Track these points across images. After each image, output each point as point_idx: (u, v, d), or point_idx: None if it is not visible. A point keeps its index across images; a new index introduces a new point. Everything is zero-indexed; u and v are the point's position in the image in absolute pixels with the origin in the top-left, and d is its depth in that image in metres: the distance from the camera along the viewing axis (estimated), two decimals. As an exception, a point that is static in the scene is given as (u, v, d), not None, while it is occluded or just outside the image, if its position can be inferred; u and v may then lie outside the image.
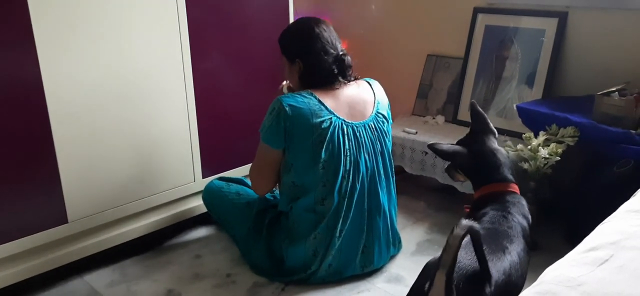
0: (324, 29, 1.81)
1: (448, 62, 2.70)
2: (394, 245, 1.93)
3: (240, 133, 2.23)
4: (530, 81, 2.35)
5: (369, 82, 1.90)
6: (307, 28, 1.81)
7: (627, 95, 1.89)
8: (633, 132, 1.80)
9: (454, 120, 2.58)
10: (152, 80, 1.91)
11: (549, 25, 2.31)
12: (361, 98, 1.83)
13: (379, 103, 1.85)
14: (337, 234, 1.76)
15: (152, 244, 2.09)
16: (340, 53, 1.81)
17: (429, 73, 2.76)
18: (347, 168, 1.74)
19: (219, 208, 2.06)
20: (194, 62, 2.01)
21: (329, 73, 1.79)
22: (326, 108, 1.73)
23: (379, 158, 1.81)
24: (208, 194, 2.09)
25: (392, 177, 1.89)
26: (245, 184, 2.13)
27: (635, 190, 1.83)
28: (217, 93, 2.13)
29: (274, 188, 2.08)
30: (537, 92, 2.31)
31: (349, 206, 1.75)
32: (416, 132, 2.43)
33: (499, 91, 2.45)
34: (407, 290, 1.73)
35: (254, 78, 2.23)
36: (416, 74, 2.80)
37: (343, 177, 1.73)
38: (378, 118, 1.83)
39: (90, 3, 1.71)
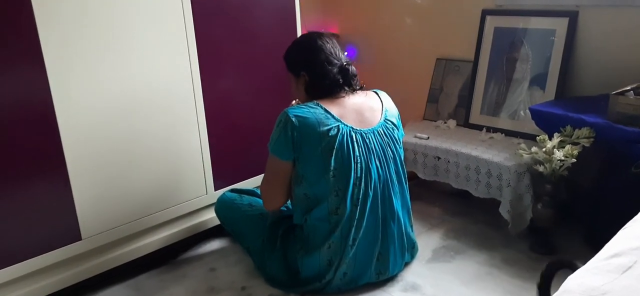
0: (327, 41, 1.83)
1: (458, 66, 2.68)
2: (409, 251, 1.91)
3: (250, 145, 2.22)
4: (541, 82, 2.32)
5: (376, 92, 1.91)
6: (310, 41, 1.85)
7: (642, 93, 1.86)
8: (650, 131, 1.77)
9: (465, 124, 2.56)
10: (162, 94, 1.91)
11: (560, 25, 2.28)
12: (368, 106, 1.83)
13: (387, 111, 1.85)
14: (351, 242, 1.74)
15: (167, 258, 2.09)
16: (345, 63, 1.82)
17: (439, 77, 2.75)
18: (358, 175, 1.73)
19: (231, 221, 2.05)
20: (203, 75, 2.01)
21: (334, 82, 1.79)
22: (333, 116, 1.73)
23: (391, 164, 1.80)
24: (220, 206, 2.09)
25: (406, 183, 1.87)
26: (258, 195, 2.12)
27: (653, 190, 1.81)
28: (227, 105, 2.13)
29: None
30: (549, 93, 2.29)
31: (362, 213, 1.74)
32: (428, 137, 2.41)
33: (510, 93, 2.42)
34: (425, 299, 1.73)
35: (263, 90, 2.23)
36: (426, 79, 2.79)
37: (354, 184, 1.72)
38: (387, 125, 1.82)
39: (98, 19, 1.71)
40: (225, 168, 2.17)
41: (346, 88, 1.81)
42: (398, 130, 1.86)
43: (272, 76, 2.24)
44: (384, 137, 1.79)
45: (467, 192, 2.28)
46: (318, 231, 1.76)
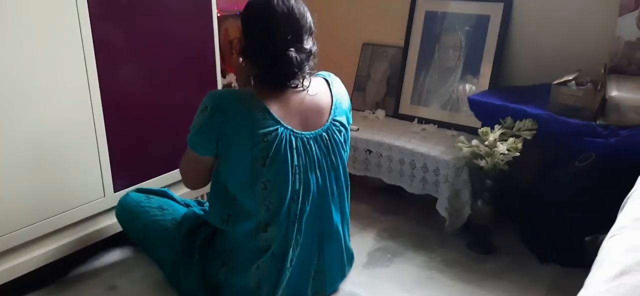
0: (293, 13, 1.42)
1: (386, 51, 2.51)
2: (348, 264, 1.69)
3: (159, 136, 1.90)
4: (475, 70, 2.21)
5: (327, 80, 1.58)
6: (268, 8, 1.41)
7: (584, 84, 1.78)
8: (595, 123, 1.69)
9: (395, 114, 2.40)
10: (45, 77, 1.54)
11: (494, 11, 2.18)
12: (316, 107, 1.50)
13: (336, 108, 1.54)
14: (288, 265, 1.48)
15: (55, 275, 1.72)
16: (308, 50, 1.45)
17: (365, 63, 2.56)
18: (296, 188, 1.44)
19: (138, 228, 1.72)
20: (98, 54, 1.65)
21: (285, 75, 1.44)
22: (272, 116, 1.42)
23: (332, 174, 1.53)
24: (123, 210, 1.75)
25: (347, 192, 1.62)
26: (170, 196, 1.81)
27: (596, 186, 1.74)
28: (129, 89, 1.78)
29: (204, 201, 1.79)
30: (483, 82, 2.18)
31: (299, 231, 1.48)
32: (358, 129, 2.21)
33: (443, 82, 2.29)
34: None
35: (174, 72, 1.91)
36: (352, 65, 2.59)
37: (292, 198, 1.44)
38: (333, 127, 1.52)
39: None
40: (127, 164, 1.83)
41: (292, 82, 1.47)
42: (346, 130, 1.57)
43: (186, 56, 1.93)
44: (329, 142, 1.50)
45: (397, 187, 2.12)
46: (244, 249, 1.48)
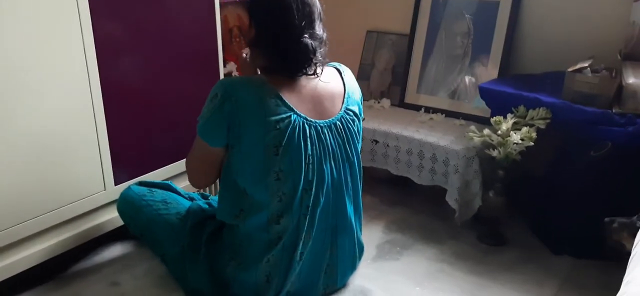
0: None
1: (391, 39, 2.45)
2: (359, 257, 1.64)
3: (161, 127, 1.84)
4: (484, 58, 2.15)
5: (338, 69, 1.55)
6: None
7: (599, 71, 1.73)
8: (612, 111, 1.64)
9: (400, 103, 2.34)
10: (43, 68, 1.47)
11: (504, -3, 2.12)
12: (329, 92, 1.46)
13: (348, 96, 1.50)
14: (298, 258, 1.43)
15: (54, 272, 1.66)
16: (319, 37, 1.42)
17: (370, 51, 2.51)
18: (310, 178, 1.39)
19: (141, 222, 1.66)
20: (98, 44, 1.58)
21: (296, 63, 1.40)
22: (284, 103, 1.37)
23: (347, 165, 1.48)
24: (125, 204, 1.69)
25: (360, 184, 1.57)
26: (173, 189, 1.75)
27: (613, 176, 1.70)
28: (129, 80, 1.72)
29: (209, 194, 1.74)
30: (492, 70, 2.13)
31: (311, 224, 1.42)
32: (364, 118, 2.15)
33: (450, 70, 2.24)
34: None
35: (176, 62, 1.84)
36: (356, 53, 2.53)
37: (304, 189, 1.39)
38: (347, 116, 1.48)
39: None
40: (128, 157, 1.77)
41: (308, 70, 1.42)
42: (359, 120, 1.53)
43: (184, 47, 1.86)
44: (343, 132, 1.46)
45: (405, 178, 2.07)
46: (255, 242, 1.43)
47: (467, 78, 2.19)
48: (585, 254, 1.74)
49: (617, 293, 1.54)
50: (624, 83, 1.66)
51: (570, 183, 1.76)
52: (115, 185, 1.75)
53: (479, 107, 2.10)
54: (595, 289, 1.60)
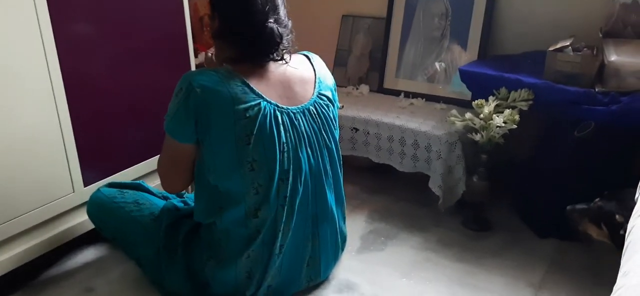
0: None
1: (367, 23, 2.39)
2: (341, 247, 1.60)
3: (130, 124, 1.76)
4: (463, 40, 2.11)
5: (307, 56, 1.51)
6: None
7: (580, 49, 1.70)
8: (595, 90, 1.61)
9: (379, 89, 2.29)
10: None
11: (481, -24, 2.07)
12: (299, 77, 1.42)
13: (320, 81, 1.46)
14: (277, 251, 1.38)
15: (25, 279, 1.58)
16: (283, 21, 1.38)
17: (346, 37, 2.44)
18: (286, 167, 1.34)
19: (112, 225, 1.59)
20: (57, 39, 1.49)
21: (262, 49, 1.36)
22: (252, 90, 1.32)
23: (325, 151, 1.43)
24: (95, 208, 1.61)
25: (341, 172, 1.53)
26: (145, 189, 1.67)
27: (598, 156, 1.67)
28: (94, 76, 1.63)
29: (184, 192, 1.66)
30: (471, 52, 2.08)
31: (290, 215, 1.37)
32: (342, 106, 2.10)
33: (429, 53, 2.19)
34: (367, 301, 1.45)
35: (143, 55, 1.76)
36: (332, 39, 2.47)
37: (280, 179, 1.34)
38: (320, 101, 1.43)
39: None
40: (96, 156, 1.68)
41: (274, 55, 1.38)
42: (334, 106, 1.49)
43: (152, 39, 1.78)
44: (318, 117, 1.41)
45: (386, 166, 2.02)
46: (233, 237, 1.37)
47: (445, 61, 2.15)
48: (571, 236, 1.72)
49: (603, 274, 1.54)
50: (606, 62, 1.63)
51: (554, 165, 1.74)
52: (85, 186, 1.66)
53: (457, 90, 2.06)
54: (581, 271, 1.58)
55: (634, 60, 1.60)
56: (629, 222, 0.95)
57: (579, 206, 1.42)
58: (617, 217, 1.32)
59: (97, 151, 1.68)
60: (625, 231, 1.15)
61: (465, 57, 2.09)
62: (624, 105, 1.55)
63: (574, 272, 1.58)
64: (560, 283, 1.53)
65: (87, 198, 1.64)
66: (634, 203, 1.13)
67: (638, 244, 0.86)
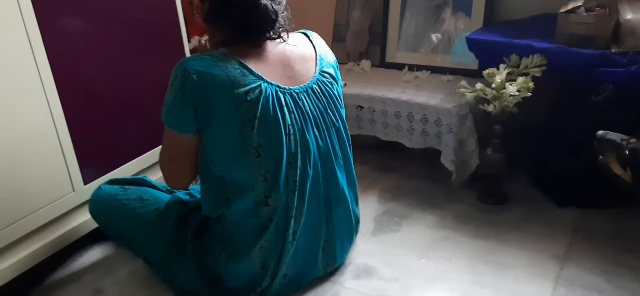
0: None
1: (366, -4, 2.30)
2: (355, 230, 1.55)
3: (127, 115, 1.68)
4: (467, 7, 2.03)
5: (306, 34, 1.44)
6: None
7: (593, 9, 1.63)
8: (611, 52, 1.55)
9: (382, 64, 2.22)
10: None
11: (484, -61, 1.99)
12: (299, 55, 1.35)
13: (321, 59, 1.39)
14: (291, 238, 1.32)
15: (31, 285, 1.52)
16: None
17: (343, 12, 2.36)
18: (293, 151, 1.28)
19: (117, 224, 1.52)
20: (45, 34, 1.40)
21: (258, 28, 1.29)
22: (252, 72, 1.25)
23: (333, 131, 1.37)
24: (98, 207, 1.55)
25: (351, 152, 1.47)
26: (149, 184, 1.60)
27: (616, 120, 1.61)
28: (87, 70, 1.55)
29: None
30: (476, 20, 2.01)
31: (301, 200, 1.31)
32: (345, 84, 2.03)
33: (431, 23, 2.12)
34: (380, 282, 1.39)
35: (136, 44, 1.68)
36: (328, 15, 2.39)
37: (289, 163, 1.28)
38: (324, 79, 1.37)
39: None
40: (95, 153, 1.61)
41: (271, 34, 1.31)
42: (338, 83, 1.42)
43: (144, 28, 1.70)
44: (323, 96, 1.35)
45: (395, 143, 1.96)
46: (244, 229, 1.31)
47: (449, 30, 2.07)
48: (592, 204, 1.67)
49: (629, 240, 1.49)
50: (621, 21, 1.56)
51: (571, 132, 1.68)
52: (85, 184, 1.60)
53: (462, 60, 1.99)
54: (606, 239, 1.54)
55: (651, 17, 1.54)
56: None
57: (612, 136, 1.31)
58: None
59: (95, 147, 1.61)
60: None
61: (470, 25, 2.01)
62: (644, 65, 1.49)
63: (599, 240, 1.53)
64: (585, 253, 1.49)
65: (89, 197, 1.58)
66: None
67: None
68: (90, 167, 1.60)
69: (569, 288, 1.36)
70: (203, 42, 1.52)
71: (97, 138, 1.61)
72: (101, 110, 1.60)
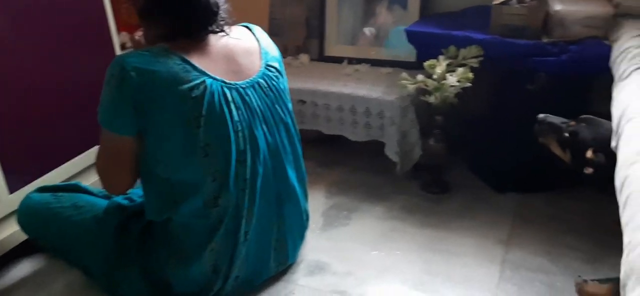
0: None
1: (301, -12, 2.28)
2: (305, 226, 1.52)
3: (55, 119, 1.57)
4: (402, 0, 2.06)
5: (248, 28, 1.39)
6: None
7: (525, 0, 1.70)
8: (543, 41, 1.62)
9: (320, 57, 2.20)
10: None
11: None
12: (242, 48, 1.31)
13: (266, 52, 1.35)
14: (242, 238, 1.28)
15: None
16: None
17: (278, 5, 2.32)
18: (242, 148, 1.24)
19: (51, 234, 1.41)
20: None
21: (199, 20, 1.23)
22: (194, 67, 1.19)
23: (281, 126, 1.34)
24: (27, 216, 1.43)
25: (300, 147, 1.44)
26: (83, 189, 1.50)
27: (551, 106, 1.68)
28: (8, 68, 1.43)
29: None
30: (412, 12, 2.04)
31: (252, 198, 1.27)
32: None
33: (369, 15, 2.12)
34: (333, 277, 1.38)
35: (61, 42, 1.57)
36: (262, 8, 2.33)
37: (238, 161, 1.23)
38: (269, 73, 1.33)
39: None
40: (20, 158, 1.49)
41: (214, 27, 1.25)
42: (283, 77, 1.39)
43: (68, 24, 1.59)
44: (270, 90, 1.31)
45: (338, 137, 1.96)
46: (193, 231, 1.25)
47: (386, 22, 2.09)
48: (530, 188, 1.74)
49: (569, 222, 1.56)
50: (551, 11, 1.64)
51: (508, 120, 1.74)
52: (10, 193, 1.47)
53: (400, 51, 2.01)
54: (546, 221, 1.61)
55: (578, 8, 1.62)
56: (620, 171, 0.93)
57: (552, 119, 1.35)
58: (588, 152, 1.27)
59: (20, 151, 1.49)
60: (592, 166, 1.15)
61: (406, 17, 2.04)
62: (573, 53, 1.57)
63: (540, 223, 1.60)
64: (527, 235, 1.55)
65: (15, 207, 1.45)
66: (608, 135, 1.12)
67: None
68: (15, 173, 1.48)
69: (515, 271, 1.41)
70: (136, 37, 1.44)
71: (22, 143, 1.48)
72: (26, 113, 1.48)
